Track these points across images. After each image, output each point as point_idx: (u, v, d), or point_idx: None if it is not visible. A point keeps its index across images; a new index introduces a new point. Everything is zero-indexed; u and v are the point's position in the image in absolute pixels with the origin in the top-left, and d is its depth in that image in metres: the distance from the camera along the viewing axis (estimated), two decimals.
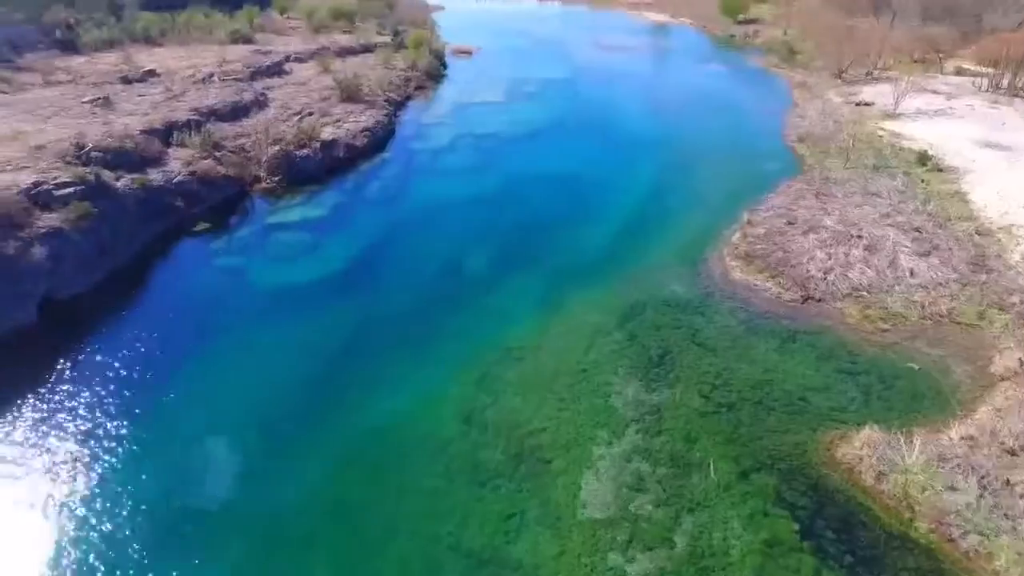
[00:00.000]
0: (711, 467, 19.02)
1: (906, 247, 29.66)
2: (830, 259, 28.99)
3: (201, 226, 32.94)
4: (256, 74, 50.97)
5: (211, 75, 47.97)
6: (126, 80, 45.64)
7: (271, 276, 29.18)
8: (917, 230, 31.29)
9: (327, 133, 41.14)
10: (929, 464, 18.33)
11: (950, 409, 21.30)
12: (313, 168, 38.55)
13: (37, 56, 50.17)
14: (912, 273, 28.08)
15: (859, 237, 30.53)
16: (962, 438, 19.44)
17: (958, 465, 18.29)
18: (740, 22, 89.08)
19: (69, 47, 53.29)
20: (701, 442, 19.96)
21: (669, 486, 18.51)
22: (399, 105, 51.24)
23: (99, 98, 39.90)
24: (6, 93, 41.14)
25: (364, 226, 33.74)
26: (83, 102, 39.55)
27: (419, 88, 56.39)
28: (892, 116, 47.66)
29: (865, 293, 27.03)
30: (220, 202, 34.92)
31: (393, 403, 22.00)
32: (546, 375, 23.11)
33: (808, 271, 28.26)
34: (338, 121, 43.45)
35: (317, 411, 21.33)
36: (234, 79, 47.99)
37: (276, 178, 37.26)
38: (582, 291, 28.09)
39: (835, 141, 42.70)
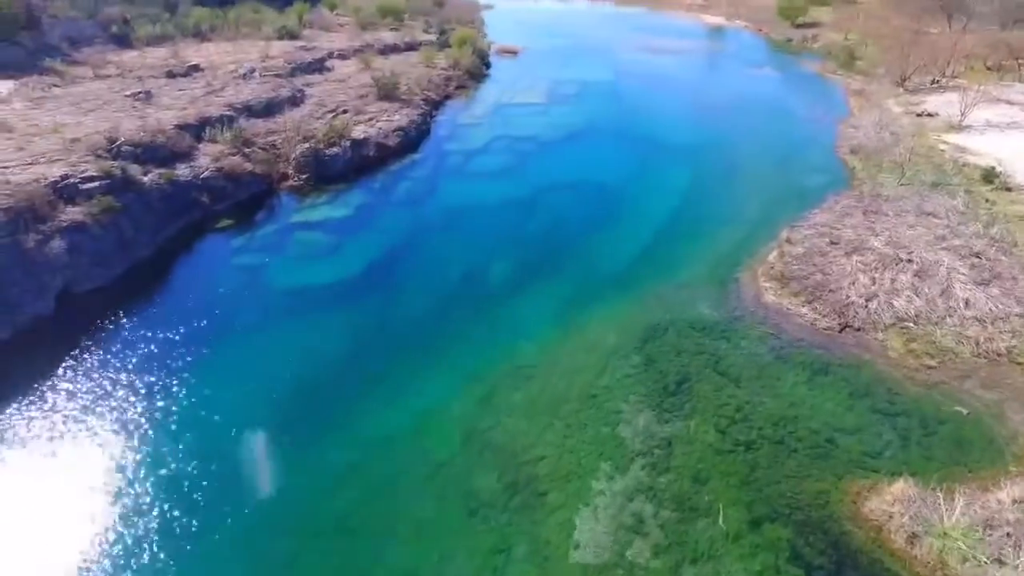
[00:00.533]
0: (720, 513, 17.32)
1: (962, 274, 26.96)
2: (874, 284, 26.59)
3: (224, 222, 32.84)
4: (297, 70, 51.09)
5: (252, 71, 48.27)
6: (171, 74, 46.33)
7: (287, 277, 28.70)
8: (976, 255, 28.45)
9: (359, 131, 40.67)
10: (972, 529, 16.17)
11: (1002, 464, 18.93)
12: (341, 167, 38.11)
13: (93, 50, 51.61)
14: (967, 304, 25.46)
15: (909, 261, 27.95)
16: (1015, 501, 17.13)
17: (1008, 534, 16.05)
18: (798, 25, 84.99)
19: (123, 42, 54.67)
20: (712, 483, 18.26)
21: (672, 531, 16.92)
22: (437, 104, 50.51)
23: (140, 92, 40.51)
24: (58, 86, 42.24)
25: (386, 228, 33.00)
26: (125, 96, 40.22)
27: (460, 87, 55.55)
28: (957, 128, 44.06)
29: (911, 324, 24.61)
30: (246, 199, 34.78)
31: (394, 416, 21.09)
32: (554, 397, 21.76)
33: (848, 297, 25.96)
34: (372, 120, 42.97)
35: (316, 421, 20.56)
36: (274, 75, 48.16)
37: (304, 176, 36.97)
38: (603, 307, 26.58)
39: (891, 154, 39.63)
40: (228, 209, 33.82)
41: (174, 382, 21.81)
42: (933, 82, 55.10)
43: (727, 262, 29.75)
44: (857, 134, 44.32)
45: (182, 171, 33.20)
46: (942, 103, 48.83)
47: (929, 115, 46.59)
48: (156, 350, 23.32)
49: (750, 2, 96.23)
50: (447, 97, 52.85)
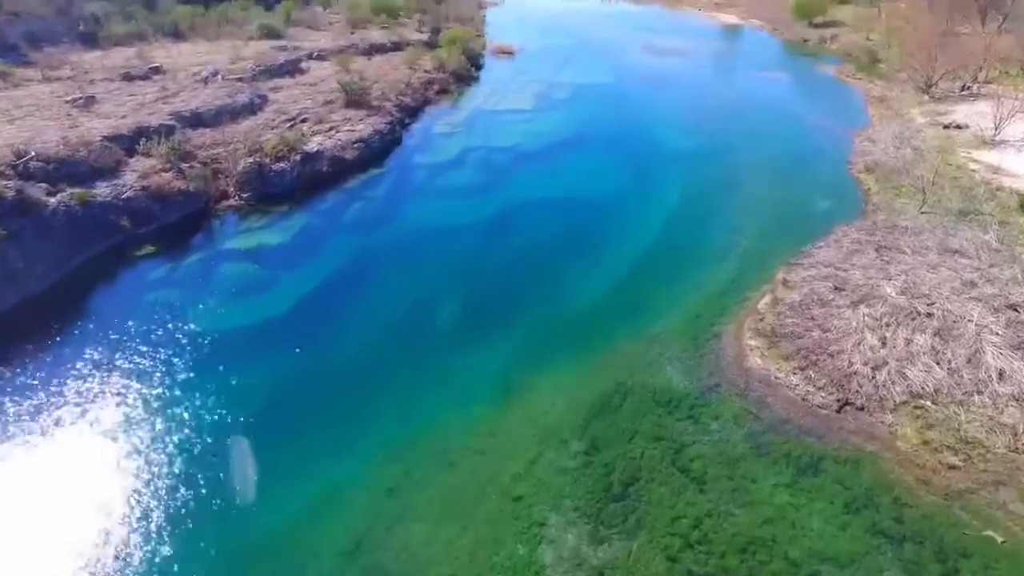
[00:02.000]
0: None
1: (996, 335, 21.58)
2: (883, 347, 21.37)
3: (146, 249, 28.56)
4: (265, 73, 46.73)
5: (215, 73, 44.09)
6: (128, 77, 42.35)
7: (206, 318, 24.32)
8: (1015, 308, 22.95)
9: (313, 144, 36.20)
10: None
11: None
12: (288, 184, 33.67)
13: (57, 50, 47.90)
14: (1002, 376, 20.09)
15: (928, 315, 22.63)
16: None
17: None
18: (816, 25, 78.28)
19: (91, 41, 50.90)
20: None
21: None
22: (413, 111, 45.76)
23: (81, 98, 36.52)
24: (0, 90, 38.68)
25: (329, 258, 28.47)
26: (65, 101, 36.37)
27: (441, 92, 50.71)
28: (990, 144, 38.04)
29: (929, 403, 19.39)
30: (176, 222, 30.47)
31: (280, 508, 16.80)
32: (473, 495, 17.11)
33: (851, 363, 20.79)
34: (332, 129, 38.48)
35: (192, 509, 16.38)
36: (237, 79, 43.94)
37: (245, 194, 32.62)
38: (556, 365, 21.79)
39: (912, 174, 33.92)
40: (153, 234, 29.53)
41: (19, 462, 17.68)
42: (963, 89, 48.75)
43: (709, 309, 24.68)
44: (874, 149, 38.56)
45: (101, 190, 29.06)
46: (973, 113, 42.68)
47: (957, 127, 40.55)
48: (15, 405, 19.24)
49: (768, 0, 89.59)
50: (426, 102, 48.07)
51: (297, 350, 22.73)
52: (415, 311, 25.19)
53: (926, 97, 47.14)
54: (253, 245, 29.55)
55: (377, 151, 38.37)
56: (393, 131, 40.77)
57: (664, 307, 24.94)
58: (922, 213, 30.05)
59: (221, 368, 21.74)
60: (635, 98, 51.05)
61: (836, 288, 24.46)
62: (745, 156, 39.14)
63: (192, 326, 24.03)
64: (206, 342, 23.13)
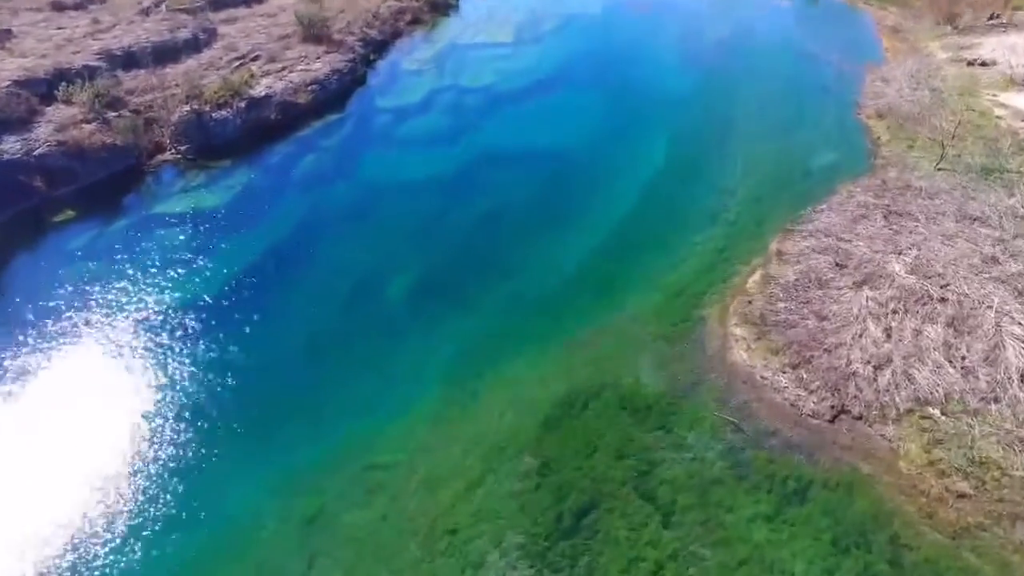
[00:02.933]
0: None
1: (1020, 325, 18.33)
2: (888, 340, 18.14)
3: (65, 214, 24.94)
4: (218, 3, 41.28)
5: (159, 3, 38.74)
6: (58, 6, 37.09)
7: (128, 299, 21.15)
8: None
9: (262, 87, 31.57)
10: None
11: None
12: (231, 134, 29.36)
13: None
14: None
15: (942, 300, 19.27)
16: None
17: None
18: None
19: None
20: None
21: None
22: (380, 46, 40.44)
23: None
24: None
25: (269, 225, 24.75)
26: None
27: (414, 22, 44.94)
28: (1021, 85, 33.34)
29: (937, 412, 16.37)
30: (101, 181, 26.56)
31: (180, 545, 14.22)
32: (399, 529, 14.36)
33: (850, 361, 17.64)
34: (285, 69, 33.66)
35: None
36: (185, 9, 38.58)
37: (183, 148, 28.54)
38: (513, 359, 18.66)
39: (929, 121, 29.47)
40: (73, 195, 25.79)
41: None
42: (991, 18, 42.88)
43: (693, 287, 21.24)
44: (887, 90, 33.78)
45: (8, 145, 25.05)
46: (1002, 48, 37.41)
47: (983, 64, 35.50)
48: None
49: None
50: (397, 35, 42.55)
51: (222, 341, 19.64)
52: (362, 290, 21.82)
53: (948, 28, 41.49)
54: (188, 208, 25.80)
55: (335, 93, 33.67)
56: (355, 70, 35.81)
57: (643, 283, 21.52)
58: (938, 170, 25.98)
59: (136, 362, 18.75)
60: (626, 29, 45.26)
61: (837, 264, 20.95)
62: (742, 98, 34.24)
63: (111, 309, 20.87)
64: (125, 328, 20.03)
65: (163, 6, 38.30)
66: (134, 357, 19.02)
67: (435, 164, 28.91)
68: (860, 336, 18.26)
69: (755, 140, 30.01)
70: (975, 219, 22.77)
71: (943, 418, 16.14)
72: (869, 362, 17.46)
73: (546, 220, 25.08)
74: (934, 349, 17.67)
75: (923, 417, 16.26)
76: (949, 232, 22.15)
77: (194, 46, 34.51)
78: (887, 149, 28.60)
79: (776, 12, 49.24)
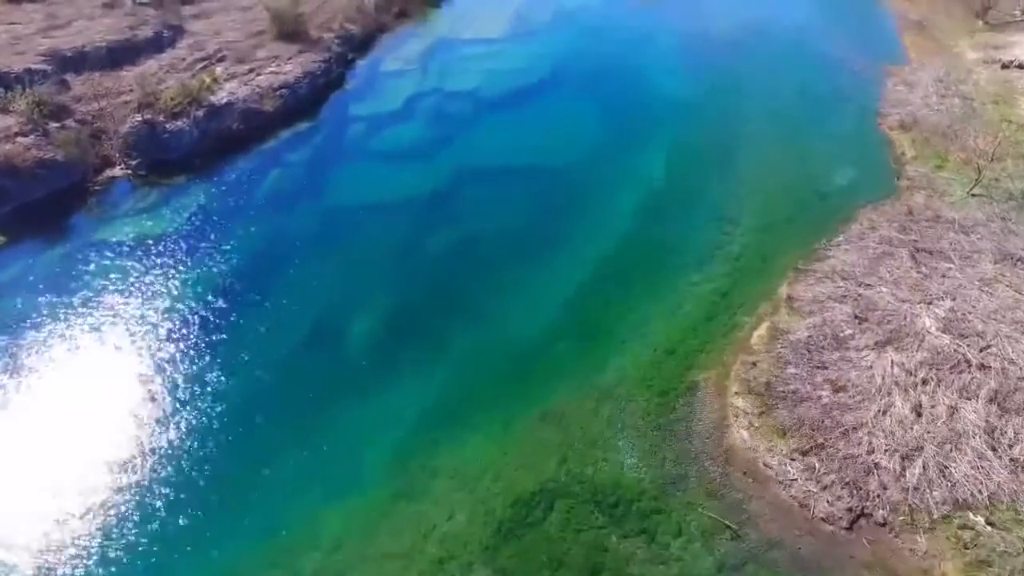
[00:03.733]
0: None
1: None
2: (918, 420, 14.96)
3: None
4: None
5: None
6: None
7: (50, 345, 18.39)
8: None
9: (224, 93, 28.26)
10: None
11: None
12: (188, 147, 26.17)
13: None
14: None
15: (982, 368, 15.97)
16: None
17: None
18: None
19: None
20: None
21: None
22: (362, 43, 36.81)
23: None
24: None
25: (223, 254, 21.68)
26: None
27: (401, 16, 41.19)
28: None
29: (981, 521, 13.28)
30: (39, 201, 23.51)
31: None
32: None
33: (871, 448, 14.47)
34: (252, 72, 30.36)
35: None
36: (152, 3, 35.13)
37: (133, 162, 25.45)
38: (473, 435, 15.68)
39: (960, 136, 25.91)
40: (4, 218, 22.86)
41: None
42: None
43: (688, 341, 18.03)
44: (911, 96, 29.95)
45: None
46: None
47: (1020, 66, 31.61)
48: None
49: None
50: (381, 29, 38.86)
51: (153, 403, 16.83)
52: (316, 337, 18.89)
53: (979, 23, 37.30)
54: (134, 234, 22.75)
55: (307, 99, 30.22)
56: (330, 71, 32.30)
57: (631, 334, 18.36)
58: (973, 196, 22.42)
59: (51, 424, 15.95)
60: (627, 22, 41.17)
61: (857, 317, 17.67)
62: (749, 103, 30.35)
63: (35, 356, 18.13)
64: (47, 382, 17.28)
65: (128, 0, 34.95)
66: (48, 418, 16.29)
67: (411, 181, 25.65)
68: (884, 414, 15.11)
69: (763, 155, 26.40)
70: (1018, 260, 19.36)
71: (989, 529, 13.04)
72: (895, 451, 14.32)
73: (527, 250, 21.88)
74: (974, 434, 14.50)
75: (963, 527, 13.15)
76: (988, 276, 18.76)
77: (156, 45, 31.19)
78: (913, 168, 24.97)
79: (788, 5, 44.96)
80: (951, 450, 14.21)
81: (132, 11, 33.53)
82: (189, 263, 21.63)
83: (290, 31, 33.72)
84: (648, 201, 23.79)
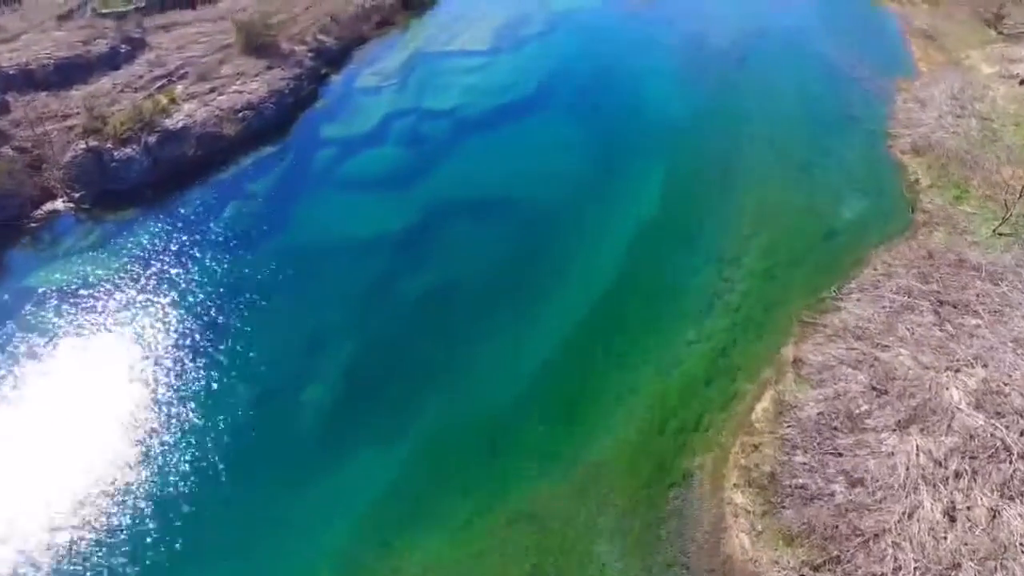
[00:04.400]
0: None
1: None
2: (952, 526, 12.52)
3: None
4: (161, 3, 35.19)
5: (84, 4, 32.69)
6: None
7: None
8: None
9: (182, 114, 25.65)
10: None
11: None
12: (138, 177, 23.62)
13: None
14: None
15: None
16: None
17: None
18: None
19: None
20: None
21: None
22: (337, 56, 34.00)
23: None
24: None
25: (170, 303, 19.18)
26: None
27: (383, 24, 38.53)
28: None
29: None
30: None
31: None
32: None
33: (897, 565, 12.09)
34: (214, 91, 27.72)
35: None
36: (116, 13, 32.44)
37: (77, 194, 22.95)
38: (427, 538, 13.20)
39: (982, 164, 23.27)
40: None
41: None
42: None
43: (681, 415, 15.50)
44: (924, 115, 27.39)
45: None
46: None
47: None
48: None
49: None
50: (360, 40, 36.15)
51: (66, 484, 14.42)
52: (264, 404, 16.51)
53: (992, 32, 34.69)
54: (73, 278, 20.20)
55: (273, 121, 27.53)
56: (300, 89, 29.62)
57: (616, 407, 15.84)
58: (999, 235, 19.90)
59: None
60: (621, 33, 38.55)
61: (874, 388, 15.19)
62: (749, 126, 27.57)
63: None
64: None
65: (88, 8, 32.31)
66: None
67: (382, 216, 23.05)
68: (911, 517, 12.65)
69: (764, 184, 23.84)
70: None
71: None
72: (927, 570, 11.93)
73: (505, 300, 19.36)
74: (1022, 547, 12.12)
75: None
76: (1022, 336, 16.33)
77: (111, 61, 28.53)
78: (929, 199, 22.41)
79: (788, 9, 42.23)
80: (996, 568, 11.79)
81: (89, 23, 30.87)
82: (130, 312, 19.16)
83: (259, 45, 31.10)
84: (640, 240, 21.21)
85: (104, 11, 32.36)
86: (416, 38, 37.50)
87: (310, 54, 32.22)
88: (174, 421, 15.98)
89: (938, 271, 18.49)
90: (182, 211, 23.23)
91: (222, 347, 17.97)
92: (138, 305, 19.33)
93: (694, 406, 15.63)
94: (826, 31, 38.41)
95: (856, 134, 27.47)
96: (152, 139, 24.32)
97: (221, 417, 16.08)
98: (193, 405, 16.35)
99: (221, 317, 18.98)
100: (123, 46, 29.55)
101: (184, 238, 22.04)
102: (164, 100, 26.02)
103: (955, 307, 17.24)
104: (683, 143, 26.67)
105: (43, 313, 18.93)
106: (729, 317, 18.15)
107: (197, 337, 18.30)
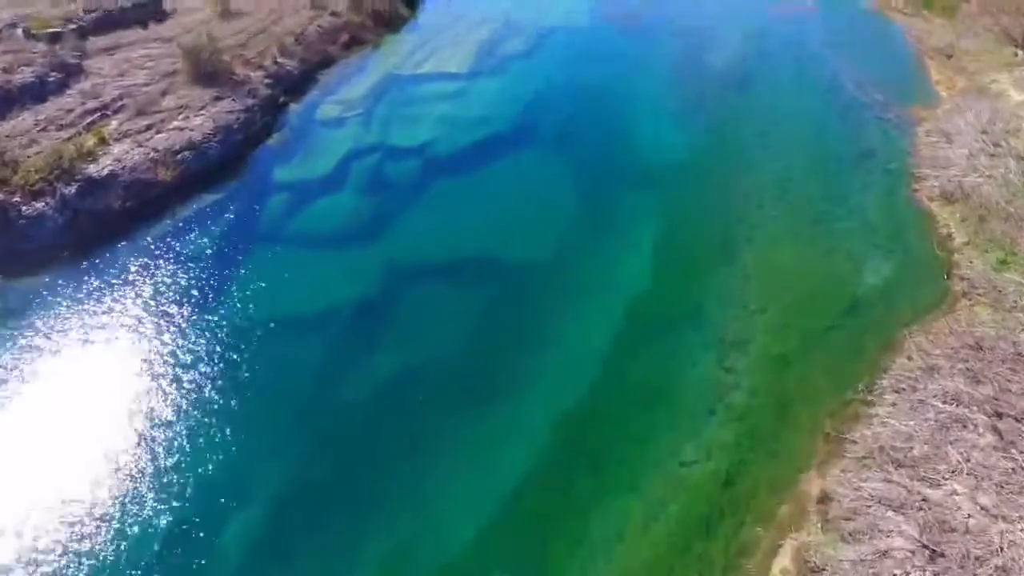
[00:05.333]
0: None
1: None
2: None
3: None
4: (105, 21, 31.38)
5: (13, 25, 28.85)
6: None
7: None
8: None
9: (110, 158, 21.98)
10: None
11: None
12: (51, 236, 19.88)
13: None
14: None
15: None
16: None
17: None
18: None
19: None
20: None
21: None
22: (298, 81, 30.13)
23: None
24: None
25: (70, 402, 15.64)
26: None
27: (352, 44, 34.72)
28: None
29: None
30: None
31: None
32: None
33: None
34: (151, 128, 24.05)
35: None
36: (50, 32, 28.68)
37: None
38: None
39: None
40: None
41: None
42: None
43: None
44: (951, 153, 23.79)
45: None
46: None
47: None
48: None
49: None
50: (325, 63, 32.33)
51: None
52: (172, 543, 12.99)
53: (1018, 53, 31.01)
54: None
55: (217, 162, 23.80)
56: (252, 123, 25.84)
57: (593, 563, 12.48)
58: None
59: None
60: (609, 53, 34.52)
61: (926, 547, 11.65)
62: (754, 169, 23.80)
63: None
64: None
65: (18, 30, 28.50)
66: None
67: (337, 281, 19.50)
68: None
69: (772, 242, 20.22)
70: None
71: None
72: None
73: (468, 397, 15.82)
74: None
75: None
76: None
77: (37, 93, 24.80)
78: (967, 261, 18.79)
79: (790, 26, 38.45)
80: None
81: (15, 47, 27.13)
82: (24, 408, 15.69)
83: (208, 71, 27.38)
84: (627, 318, 17.54)
85: (41, 30, 28.59)
86: (388, 59, 33.71)
87: (267, 80, 28.49)
88: (61, 560, 12.55)
89: (991, 368, 14.92)
90: (101, 278, 19.54)
91: (130, 464, 14.46)
92: (37, 395, 15.85)
93: (691, 564, 12.14)
94: (833, 49, 34.61)
95: (874, 174, 23.85)
96: (71, 189, 20.68)
97: (125, 555, 12.63)
98: (83, 547, 12.88)
99: (135, 424, 15.43)
100: (53, 74, 25.81)
101: (100, 307, 18.54)
102: (91, 141, 22.37)
103: (1018, 421, 13.77)
104: (678, 189, 23.01)
105: None
106: (735, 427, 14.60)
107: (100, 450, 14.80)
